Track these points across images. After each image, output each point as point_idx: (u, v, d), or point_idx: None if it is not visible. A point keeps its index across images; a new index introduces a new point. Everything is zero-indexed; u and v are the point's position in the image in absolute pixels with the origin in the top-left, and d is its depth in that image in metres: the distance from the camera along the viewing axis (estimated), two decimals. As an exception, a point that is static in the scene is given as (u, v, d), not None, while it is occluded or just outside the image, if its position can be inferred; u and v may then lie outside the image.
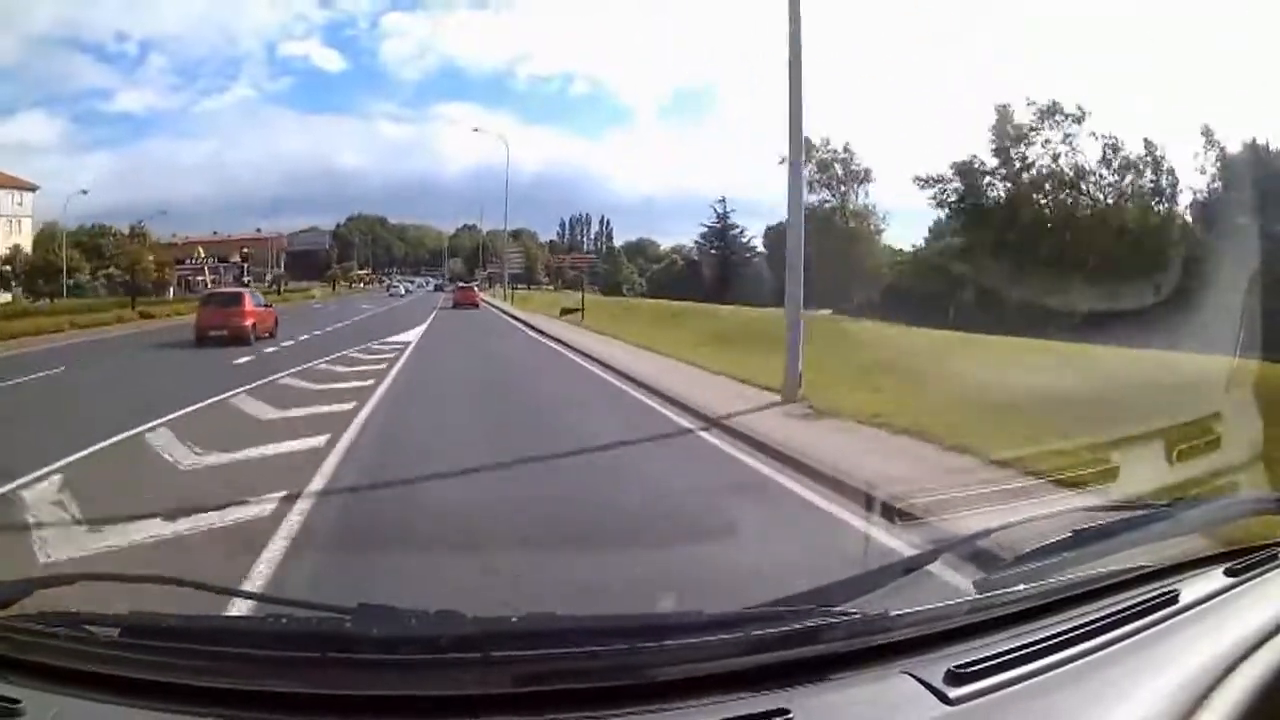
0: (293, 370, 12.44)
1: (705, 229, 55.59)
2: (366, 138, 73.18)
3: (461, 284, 43.98)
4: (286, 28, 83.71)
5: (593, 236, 67.08)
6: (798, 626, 1.15)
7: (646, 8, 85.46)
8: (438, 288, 55.85)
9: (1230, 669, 1.20)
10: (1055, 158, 33.79)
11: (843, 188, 41.24)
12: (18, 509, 4.73)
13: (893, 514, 3.70)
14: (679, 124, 74.40)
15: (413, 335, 19.73)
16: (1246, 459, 3.93)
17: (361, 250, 64.72)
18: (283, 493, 4.96)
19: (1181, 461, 4.05)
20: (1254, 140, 30.21)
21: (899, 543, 3.22)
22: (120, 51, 75.35)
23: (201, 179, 66.76)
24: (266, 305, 19.97)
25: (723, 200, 55.25)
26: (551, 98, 68.07)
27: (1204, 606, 1.38)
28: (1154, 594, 1.39)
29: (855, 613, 1.19)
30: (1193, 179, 32.71)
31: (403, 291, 53.80)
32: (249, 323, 17.21)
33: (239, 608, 2.12)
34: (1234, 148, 30.91)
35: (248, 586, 3.38)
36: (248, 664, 1.06)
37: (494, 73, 70.96)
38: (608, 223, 69.09)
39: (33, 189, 40.98)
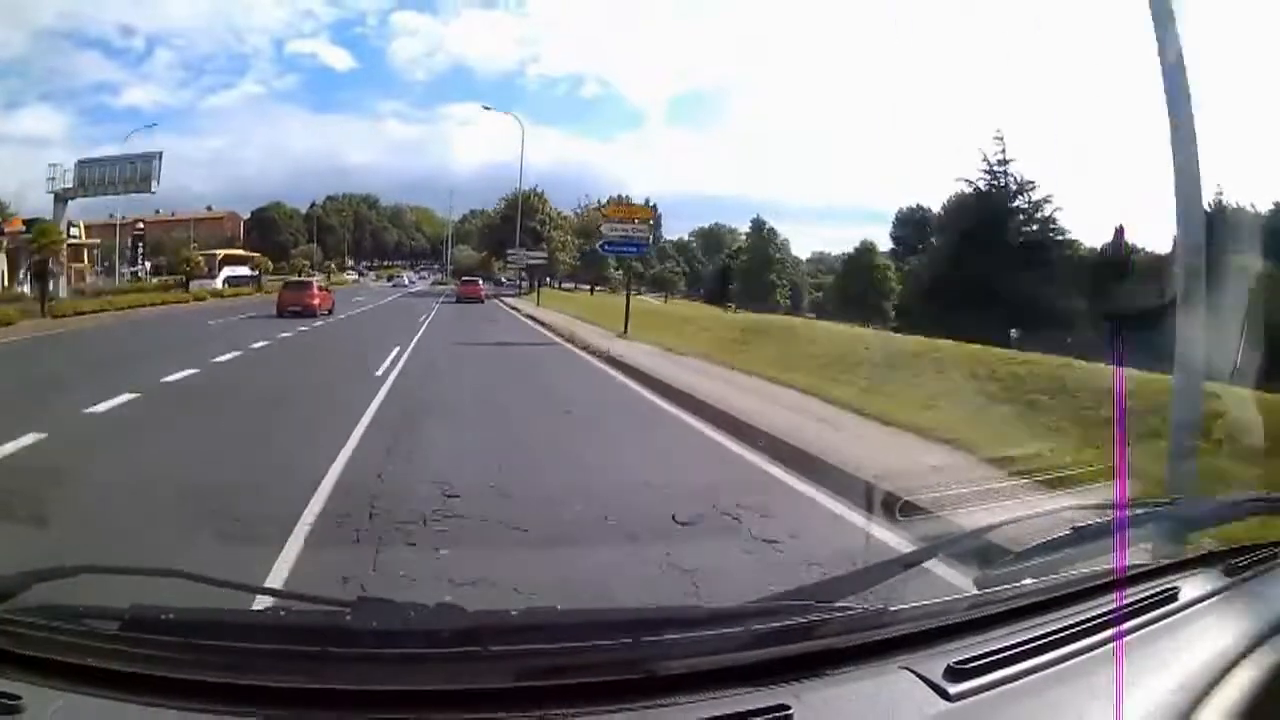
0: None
1: (967, 186, 34.09)
2: (374, 136, 71.92)
3: (465, 278, 38.08)
4: (294, 25, 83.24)
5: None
6: (798, 621, 1.15)
7: (654, 9, 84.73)
8: (436, 284, 46.28)
9: (1229, 668, 1.20)
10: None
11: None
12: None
13: (893, 509, 3.70)
14: (688, 124, 73.54)
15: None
16: (1246, 459, 3.93)
17: (340, 235, 53.32)
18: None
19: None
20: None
21: (899, 538, 3.22)
22: (127, 46, 74.60)
23: (206, 174, 65.35)
24: (327, 290, 25.92)
25: (1000, 137, 34.65)
26: (561, 99, 66.94)
27: (1203, 605, 1.38)
28: (1154, 591, 1.39)
29: (855, 608, 1.19)
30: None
31: (406, 282, 47.50)
32: (316, 302, 22.88)
33: (240, 601, 2.13)
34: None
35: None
36: (249, 658, 1.06)
37: (503, 73, 70.14)
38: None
39: None
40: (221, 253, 41.57)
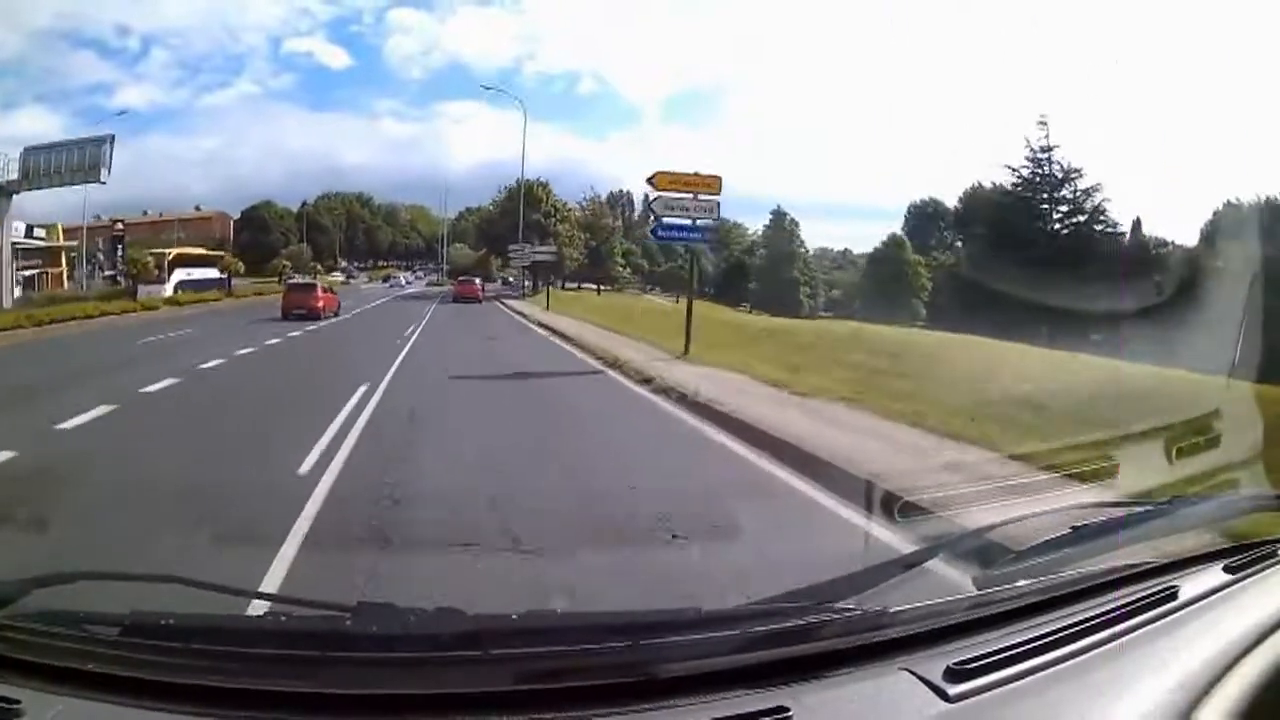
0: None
1: (1015, 176, 32.29)
2: (370, 134, 71.64)
3: (462, 278, 37.21)
4: (291, 23, 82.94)
5: (635, 220, 50.97)
6: (797, 623, 1.15)
7: (651, 6, 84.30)
8: (432, 285, 45.03)
9: (1230, 665, 1.20)
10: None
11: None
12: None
13: (893, 509, 3.70)
14: (685, 121, 73.07)
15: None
16: (1246, 457, 3.93)
17: (332, 235, 51.76)
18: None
19: (1181, 459, 4.05)
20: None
21: (899, 538, 3.22)
22: (122, 46, 74.16)
23: (201, 174, 64.89)
24: (331, 291, 25.90)
25: (1044, 122, 33.30)
26: (557, 96, 66.68)
27: (1204, 603, 1.38)
28: (1154, 590, 1.39)
29: (855, 609, 1.20)
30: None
31: (403, 283, 46.68)
32: (320, 304, 23.32)
33: (240, 606, 2.12)
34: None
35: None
36: (249, 663, 1.06)
37: (500, 70, 69.89)
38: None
39: None
40: (173, 252, 33.13)
